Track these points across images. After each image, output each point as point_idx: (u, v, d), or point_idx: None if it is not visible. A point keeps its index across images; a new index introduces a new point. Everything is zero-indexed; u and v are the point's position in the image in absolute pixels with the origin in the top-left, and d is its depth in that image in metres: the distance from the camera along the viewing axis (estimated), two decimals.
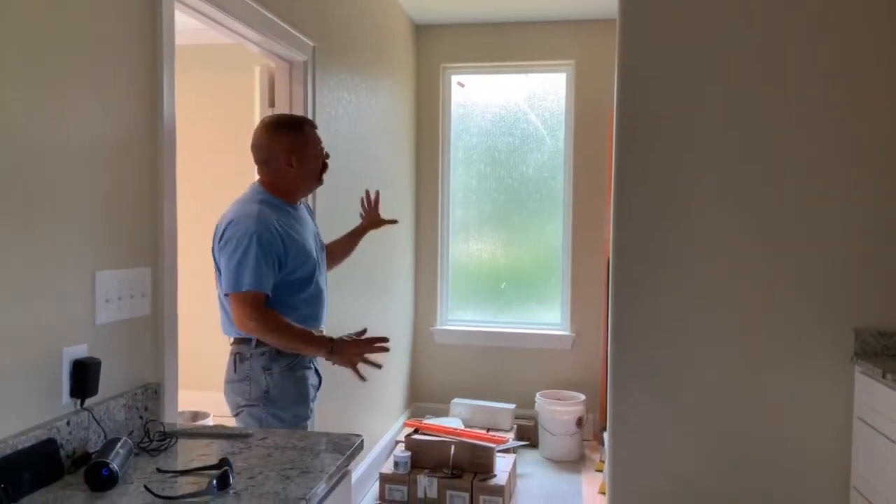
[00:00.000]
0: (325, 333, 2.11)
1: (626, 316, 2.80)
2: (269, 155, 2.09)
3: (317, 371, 2.22)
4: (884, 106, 2.62)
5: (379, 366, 2.11)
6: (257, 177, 2.18)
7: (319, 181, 2.21)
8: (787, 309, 2.71)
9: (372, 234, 3.69)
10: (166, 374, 1.81)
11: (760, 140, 2.70)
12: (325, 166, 2.20)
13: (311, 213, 2.33)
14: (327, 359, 2.04)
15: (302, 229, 2.13)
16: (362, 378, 2.09)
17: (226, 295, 2.01)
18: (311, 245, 2.16)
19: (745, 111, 2.70)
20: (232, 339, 2.09)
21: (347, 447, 1.59)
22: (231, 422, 2.10)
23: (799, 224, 2.69)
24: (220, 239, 2.00)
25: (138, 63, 1.72)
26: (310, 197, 2.70)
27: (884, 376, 2.38)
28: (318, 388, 2.23)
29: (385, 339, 2.09)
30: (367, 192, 2.67)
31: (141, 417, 1.68)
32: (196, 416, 3.66)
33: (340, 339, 2.06)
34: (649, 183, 2.77)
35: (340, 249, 2.57)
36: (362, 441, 1.66)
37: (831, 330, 2.68)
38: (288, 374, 2.05)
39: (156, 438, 1.58)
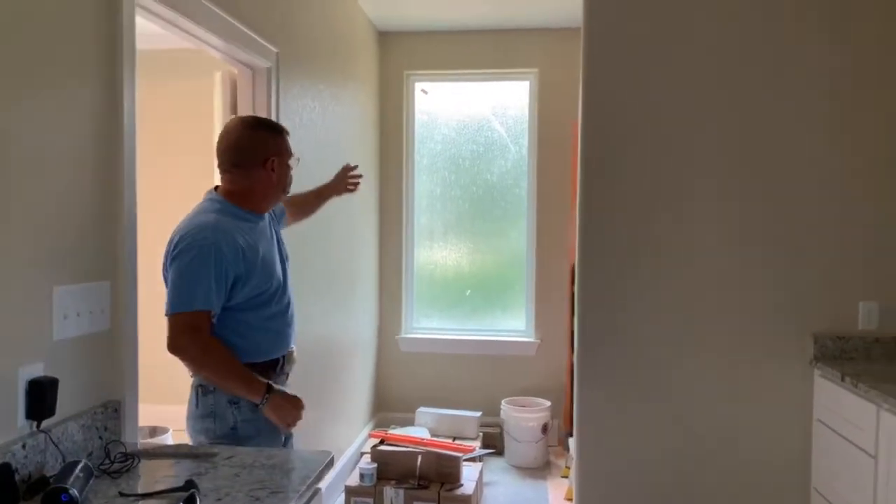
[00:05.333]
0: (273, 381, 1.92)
1: (593, 321, 2.82)
2: (248, 157, 1.92)
3: None
4: (846, 120, 2.70)
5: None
6: (215, 184, 2.02)
7: (286, 192, 2.06)
8: (749, 315, 2.76)
9: (334, 243, 3.68)
10: (126, 391, 1.75)
11: (724, 150, 2.75)
12: (291, 177, 2.06)
13: (276, 221, 2.19)
14: (259, 405, 1.83)
15: (265, 242, 1.97)
16: (285, 431, 1.95)
17: (174, 313, 1.78)
18: (276, 259, 2.00)
19: (710, 122, 2.75)
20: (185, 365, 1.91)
21: (318, 464, 1.56)
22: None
23: (761, 234, 2.74)
24: (172, 253, 1.81)
25: (98, 68, 1.66)
26: None
27: (843, 379, 2.44)
28: None
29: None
30: (348, 165, 2.66)
31: (101, 438, 1.62)
32: (155, 431, 3.56)
33: (281, 392, 1.87)
34: (615, 191, 2.80)
35: (306, 207, 2.49)
36: (332, 458, 1.63)
37: (791, 335, 2.74)
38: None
39: (117, 460, 1.52)
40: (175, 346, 1.77)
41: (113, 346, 1.72)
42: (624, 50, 2.78)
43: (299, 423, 1.95)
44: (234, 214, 1.91)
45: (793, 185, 2.72)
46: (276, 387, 1.87)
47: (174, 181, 4.26)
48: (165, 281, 1.85)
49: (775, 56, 2.72)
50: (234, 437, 1.85)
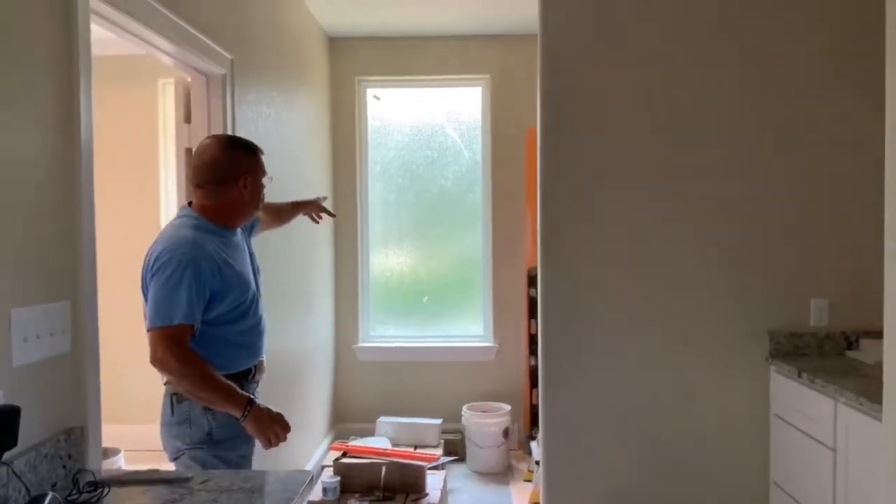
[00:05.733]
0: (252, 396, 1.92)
1: (555, 325, 2.84)
2: (222, 174, 1.96)
3: None
4: (796, 125, 2.79)
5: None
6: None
7: (258, 209, 2.12)
8: (707, 315, 2.83)
9: (289, 252, 3.60)
10: (89, 416, 1.66)
11: (680, 153, 2.81)
12: (263, 195, 2.12)
13: (247, 235, 2.21)
14: (239, 419, 1.83)
15: (239, 256, 2.01)
16: (267, 447, 1.91)
17: (155, 328, 1.79)
18: (249, 273, 2.04)
19: (666, 126, 2.81)
20: (166, 378, 1.90)
21: (298, 485, 1.51)
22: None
23: (717, 236, 2.82)
24: (151, 268, 1.83)
25: (53, 78, 1.58)
26: None
27: (799, 375, 2.52)
28: None
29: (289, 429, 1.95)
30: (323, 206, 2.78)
31: (65, 467, 1.53)
32: (106, 452, 3.40)
33: (266, 409, 1.87)
34: (574, 193, 2.83)
35: (281, 216, 2.62)
36: (312, 477, 1.58)
37: (748, 333, 2.82)
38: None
39: (85, 489, 1.44)
40: (156, 359, 1.78)
41: (74, 369, 1.63)
42: (579, 48, 2.81)
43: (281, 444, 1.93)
44: (209, 230, 1.94)
45: (747, 187, 2.80)
46: (258, 401, 1.88)
47: (116, 192, 4.10)
48: (145, 297, 1.86)
49: (728, 58, 2.79)
50: (210, 441, 1.88)
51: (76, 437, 1.59)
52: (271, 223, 2.53)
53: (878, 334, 2.75)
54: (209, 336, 1.88)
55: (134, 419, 3.81)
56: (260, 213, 2.37)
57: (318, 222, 2.83)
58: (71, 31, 1.63)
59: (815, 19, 2.78)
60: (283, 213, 2.63)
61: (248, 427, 1.83)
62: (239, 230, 2.09)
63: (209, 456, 1.86)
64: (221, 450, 1.87)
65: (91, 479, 1.48)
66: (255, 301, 2.01)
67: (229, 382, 1.84)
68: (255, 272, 2.11)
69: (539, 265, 2.90)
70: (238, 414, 1.82)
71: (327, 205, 2.83)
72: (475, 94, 4.75)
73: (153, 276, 1.82)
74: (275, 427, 1.86)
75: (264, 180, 2.07)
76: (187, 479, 1.54)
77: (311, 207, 2.73)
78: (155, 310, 1.79)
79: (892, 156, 1.16)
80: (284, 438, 1.90)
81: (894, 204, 1.14)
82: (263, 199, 2.10)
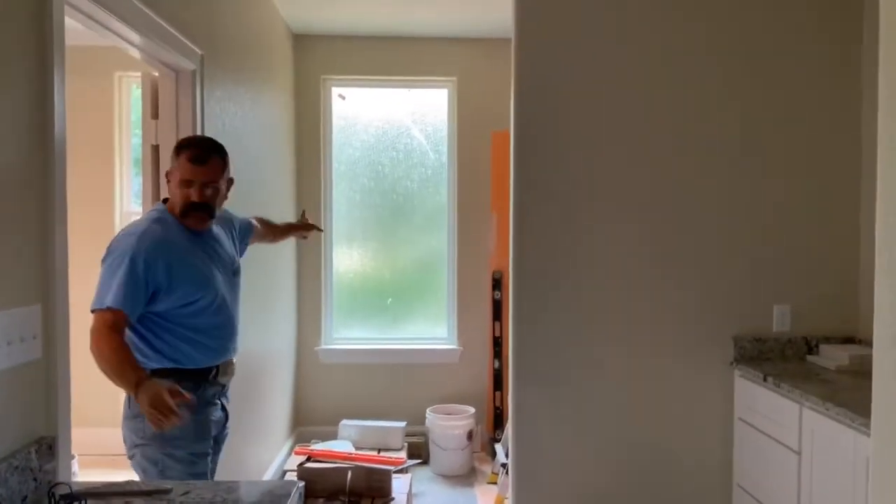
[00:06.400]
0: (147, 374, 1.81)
1: (526, 330, 2.85)
2: (168, 171, 2.06)
3: (223, 406, 2.12)
4: (760, 134, 2.86)
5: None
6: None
7: (185, 217, 2.00)
8: (673, 321, 2.88)
9: (251, 252, 3.51)
10: (60, 425, 1.58)
11: (648, 161, 2.85)
12: (192, 206, 1.98)
13: (237, 241, 2.24)
14: (134, 395, 1.74)
15: (203, 255, 2.03)
16: (157, 426, 1.71)
17: (92, 311, 1.85)
18: (215, 271, 2.04)
19: (636, 133, 2.84)
20: None
21: (285, 497, 1.47)
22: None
23: (684, 242, 2.87)
24: (104, 255, 1.93)
25: (23, 71, 1.50)
26: None
27: (765, 380, 2.58)
28: (224, 423, 2.13)
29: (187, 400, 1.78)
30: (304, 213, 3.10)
31: (35, 479, 1.45)
32: None
33: (153, 382, 1.73)
34: (546, 198, 2.84)
35: (273, 236, 2.83)
36: (299, 487, 1.54)
37: (713, 338, 2.88)
38: (185, 409, 1.84)
39: (60, 503, 1.37)
40: (90, 339, 1.83)
41: (45, 376, 1.55)
42: (554, 55, 2.83)
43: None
44: (169, 223, 1.98)
45: (712, 198, 2.86)
46: (152, 380, 1.76)
47: (70, 188, 3.94)
48: None
49: (704, 66, 2.84)
50: (160, 437, 1.87)
51: (47, 447, 1.52)
52: (263, 238, 2.65)
53: (837, 340, 2.88)
54: (163, 328, 1.94)
55: (84, 422, 3.67)
56: (256, 224, 2.51)
57: (305, 239, 3.08)
58: (43, 21, 1.55)
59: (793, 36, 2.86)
60: (277, 232, 2.82)
61: (141, 402, 1.70)
62: (214, 230, 2.09)
63: (159, 454, 1.87)
64: (171, 447, 1.89)
65: (67, 491, 1.41)
66: (216, 301, 2.02)
67: (128, 364, 1.76)
68: (235, 273, 2.13)
69: (511, 269, 2.91)
70: (129, 390, 1.75)
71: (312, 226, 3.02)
72: (441, 95, 4.74)
73: (102, 261, 1.91)
74: (160, 406, 1.67)
75: (221, 182, 2.06)
76: (167, 491, 1.48)
77: (300, 229, 2.97)
78: (95, 293, 1.87)
79: (884, 168, 1.19)
80: (170, 425, 1.70)
81: (886, 218, 1.18)
82: (193, 201, 1.98)
